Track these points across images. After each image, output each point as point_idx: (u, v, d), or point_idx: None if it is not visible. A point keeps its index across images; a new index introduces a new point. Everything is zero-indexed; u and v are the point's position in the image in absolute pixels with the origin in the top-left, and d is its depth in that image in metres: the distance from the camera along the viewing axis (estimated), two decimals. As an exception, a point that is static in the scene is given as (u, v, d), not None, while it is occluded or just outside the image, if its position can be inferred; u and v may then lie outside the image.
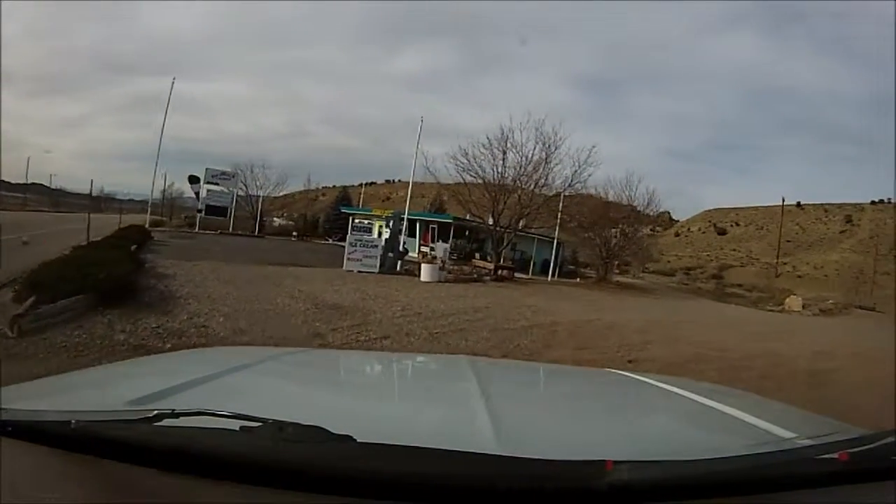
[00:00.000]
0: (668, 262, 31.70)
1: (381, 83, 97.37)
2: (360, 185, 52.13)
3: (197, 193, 29.51)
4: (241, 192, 32.31)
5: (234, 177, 30.88)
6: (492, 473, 0.64)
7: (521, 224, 20.19)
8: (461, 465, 0.64)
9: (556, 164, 19.74)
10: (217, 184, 29.46)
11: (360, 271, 13.56)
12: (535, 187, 20.02)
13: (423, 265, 14.04)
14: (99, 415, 0.77)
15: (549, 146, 19.59)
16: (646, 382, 1.62)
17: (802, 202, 67.03)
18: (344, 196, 42.26)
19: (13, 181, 41.77)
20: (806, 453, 0.80)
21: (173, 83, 20.71)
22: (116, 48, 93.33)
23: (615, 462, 0.63)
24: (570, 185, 20.36)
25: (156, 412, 0.71)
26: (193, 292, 7.45)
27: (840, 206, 70.67)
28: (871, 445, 0.74)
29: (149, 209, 27.96)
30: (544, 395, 1.65)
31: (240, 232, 28.49)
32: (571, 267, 27.45)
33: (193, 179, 29.54)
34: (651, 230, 26.10)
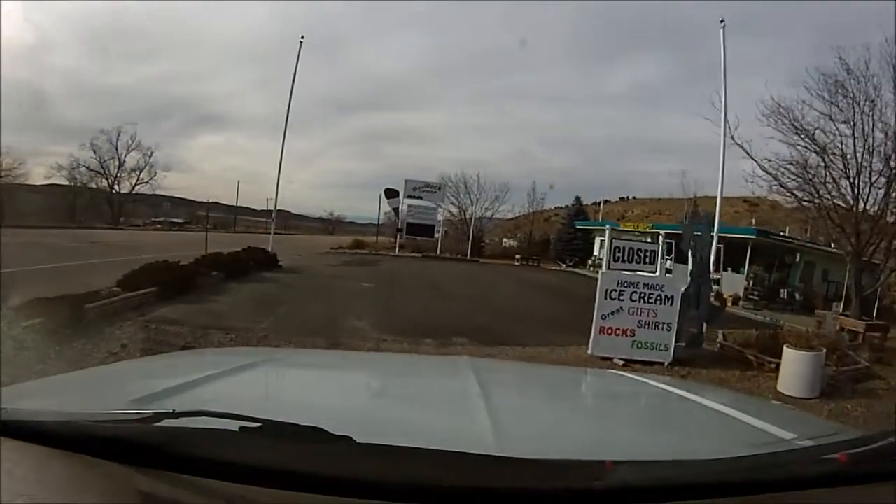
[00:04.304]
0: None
1: (601, 101, 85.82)
2: (599, 202, 40.81)
3: (396, 209, 25.77)
4: (453, 210, 28.37)
5: (440, 189, 26.41)
6: (491, 474, 0.64)
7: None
8: (460, 466, 0.64)
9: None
10: (420, 198, 25.31)
11: (631, 361, 5.75)
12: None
13: (786, 354, 5.32)
14: (99, 415, 0.76)
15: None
16: (646, 382, 1.60)
17: None
18: (579, 209, 32.26)
19: (258, 208, 47.41)
20: (806, 454, 0.81)
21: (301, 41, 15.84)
22: (343, 91, 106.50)
23: (615, 462, 0.63)
24: None
25: (155, 412, 0.72)
26: None
27: None
28: (872, 446, 0.74)
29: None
30: (544, 395, 1.59)
31: (447, 255, 24.06)
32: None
33: (391, 193, 25.17)
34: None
